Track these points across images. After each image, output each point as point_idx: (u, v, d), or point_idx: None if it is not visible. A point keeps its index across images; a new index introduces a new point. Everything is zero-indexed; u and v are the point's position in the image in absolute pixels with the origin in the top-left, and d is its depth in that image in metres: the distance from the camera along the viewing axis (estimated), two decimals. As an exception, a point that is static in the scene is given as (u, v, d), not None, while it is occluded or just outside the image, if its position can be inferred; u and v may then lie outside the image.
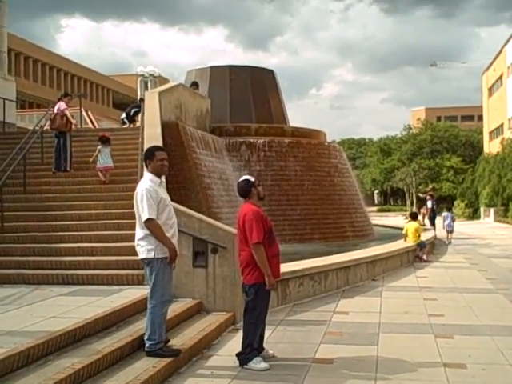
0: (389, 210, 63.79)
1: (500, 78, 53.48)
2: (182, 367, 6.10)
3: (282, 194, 18.92)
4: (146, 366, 5.64)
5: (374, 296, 10.31)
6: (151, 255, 5.95)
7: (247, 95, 21.47)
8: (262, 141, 18.96)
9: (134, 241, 6.21)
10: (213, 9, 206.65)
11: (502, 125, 52.01)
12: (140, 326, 6.56)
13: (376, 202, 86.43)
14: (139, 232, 6.03)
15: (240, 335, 6.47)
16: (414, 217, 17.08)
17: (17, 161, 11.76)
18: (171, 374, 5.84)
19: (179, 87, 16.97)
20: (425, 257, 15.53)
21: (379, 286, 11.37)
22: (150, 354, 5.92)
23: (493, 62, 56.50)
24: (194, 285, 8.26)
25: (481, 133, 63.69)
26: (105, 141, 12.89)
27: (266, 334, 7.50)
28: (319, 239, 18.84)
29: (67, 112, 13.80)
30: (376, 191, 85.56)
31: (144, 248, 6.00)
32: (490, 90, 57.75)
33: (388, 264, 13.11)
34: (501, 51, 53.11)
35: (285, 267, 10.03)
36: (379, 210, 64.63)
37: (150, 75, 31.18)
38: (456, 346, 7.00)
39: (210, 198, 15.51)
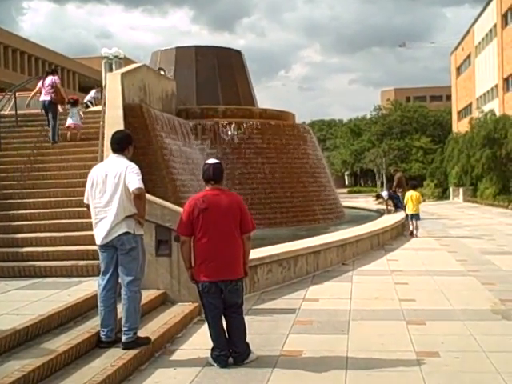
0: (359, 192, 63.99)
1: (468, 57, 53.72)
2: (144, 364, 5.78)
3: (250, 178, 18.61)
4: (103, 364, 5.31)
5: (344, 281, 10.09)
6: (135, 232, 5.81)
7: (214, 76, 21.04)
8: (229, 123, 18.57)
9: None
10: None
11: (470, 104, 52.35)
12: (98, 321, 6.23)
13: (347, 183, 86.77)
14: (120, 210, 5.72)
15: (205, 326, 6.15)
16: (413, 186, 18.32)
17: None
18: (131, 372, 5.52)
19: (143, 68, 16.48)
20: (415, 231, 16.80)
21: (350, 270, 11.16)
22: (130, 345, 5.69)
23: (461, 41, 56.71)
24: (157, 275, 7.92)
25: (450, 113, 64.07)
26: (73, 102, 14.34)
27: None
28: (289, 223, 18.62)
29: (60, 86, 14.39)
30: (346, 173, 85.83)
31: (126, 224, 5.75)
32: (459, 70, 58.02)
33: (358, 247, 12.92)
34: (469, 31, 53.29)
35: (252, 253, 9.67)
36: (350, 192, 64.80)
37: (115, 57, 30.30)
38: (428, 332, 6.81)
39: (176, 182, 15.13)
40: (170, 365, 5.82)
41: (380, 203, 30.58)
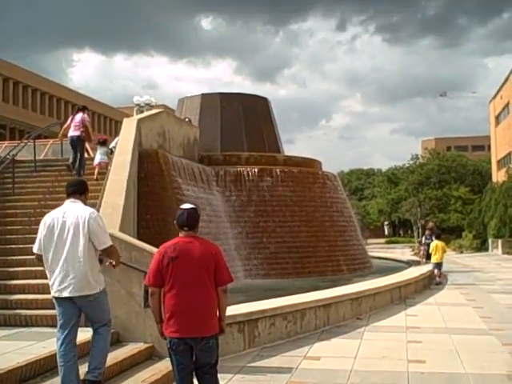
0: (397, 242, 62.61)
1: (507, 105, 52.76)
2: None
3: (272, 226, 18.14)
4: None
5: (353, 338, 9.42)
6: (101, 288, 5.73)
7: (239, 123, 20.85)
8: (251, 170, 18.26)
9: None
10: (221, 42, 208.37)
11: (509, 153, 51.11)
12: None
13: (386, 233, 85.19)
14: (90, 263, 5.56)
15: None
16: (437, 236, 18.75)
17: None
18: None
19: (163, 114, 16.36)
20: (438, 278, 17.48)
21: (363, 325, 10.48)
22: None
23: (499, 89, 55.88)
24: (145, 327, 7.48)
25: (490, 162, 62.74)
26: (102, 142, 14.94)
27: (221, 383, 6.71)
28: (312, 273, 17.97)
29: (88, 124, 14.77)
30: (385, 223, 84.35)
31: (96, 282, 5.63)
32: (497, 119, 57.01)
33: (376, 301, 12.20)
34: (507, 79, 52.50)
35: (254, 306, 9.26)
36: (387, 242, 63.50)
37: (147, 104, 30.75)
38: (430, 400, 6.13)
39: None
40: (137, 429, 5.31)
41: (415, 254, 29.67)
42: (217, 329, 5.22)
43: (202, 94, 21.73)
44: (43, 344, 6.60)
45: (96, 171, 14.02)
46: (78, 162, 14.09)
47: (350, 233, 20.37)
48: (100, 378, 5.60)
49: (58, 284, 5.48)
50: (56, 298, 5.54)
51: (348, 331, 9.98)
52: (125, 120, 14.22)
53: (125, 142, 12.56)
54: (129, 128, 13.44)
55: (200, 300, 5.11)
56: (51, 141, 22.52)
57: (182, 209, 5.39)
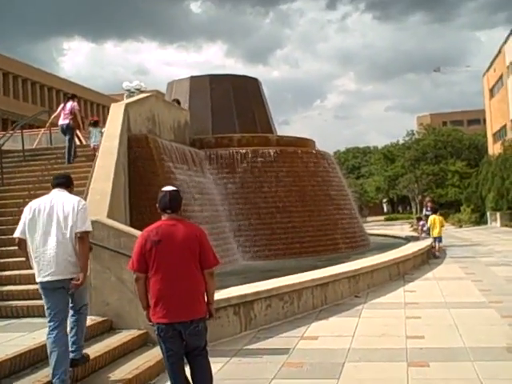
0: (396, 219, 62.42)
1: (500, 78, 52.39)
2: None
3: (267, 207, 17.97)
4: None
5: (351, 316, 9.30)
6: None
7: (229, 105, 20.55)
8: (244, 151, 18.05)
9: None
10: (211, 25, 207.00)
11: (504, 126, 50.86)
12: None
13: (385, 210, 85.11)
14: (69, 245, 5.52)
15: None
16: (434, 211, 19.37)
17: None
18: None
19: (151, 98, 16.10)
20: (437, 253, 17.72)
21: (361, 303, 10.36)
22: (80, 362, 5.73)
23: (492, 62, 55.44)
24: (138, 313, 7.28)
25: (485, 135, 62.47)
26: (94, 123, 15.14)
27: (215, 367, 6.60)
28: (308, 253, 17.82)
29: (78, 112, 14.96)
30: (384, 200, 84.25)
31: (76, 265, 5.56)
32: (491, 92, 56.65)
33: (374, 278, 12.09)
34: (500, 51, 52.07)
35: (248, 288, 9.12)
36: (386, 219, 63.35)
37: (137, 90, 30.40)
38: (429, 376, 6.01)
39: (184, 213, 14.58)
40: (130, 418, 5.19)
41: (414, 230, 29.57)
42: (205, 312, 5.09)
43: (191, 77, 21.41)
44: (33, 335, 6.45)
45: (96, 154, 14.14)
46: (67, 149, 14.12)
47: (346, 211, 20.20)
48: (80, 355, 5.79)
49: (46, 268, 5.44)
50: (43, 284, 5.46)
51: (346, 309, 9.88)
52: (112, 105, 13.98)
53: (112, 128, 12.33)
54: (116, 113, 13.21)
55: (186, 283, 4.97)
56: (42, 130, 22.29)
57: (163, 191, 5.25)
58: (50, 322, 5.48)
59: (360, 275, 11.50)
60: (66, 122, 14.58)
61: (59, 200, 5.64)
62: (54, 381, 5.27)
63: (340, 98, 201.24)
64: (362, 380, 5.97)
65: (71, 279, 5.50)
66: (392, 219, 62.86)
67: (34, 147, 18.58)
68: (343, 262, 13.27)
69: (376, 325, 8.58)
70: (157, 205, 5.22)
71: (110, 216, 8.49)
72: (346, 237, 19.39)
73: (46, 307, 5.58)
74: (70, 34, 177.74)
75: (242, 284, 9.78)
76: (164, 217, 5.13)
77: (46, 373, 5.54)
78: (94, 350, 6.32)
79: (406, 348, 7.12)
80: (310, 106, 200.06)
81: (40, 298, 7.94)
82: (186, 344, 5.03)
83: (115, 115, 13.00)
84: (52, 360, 5.33)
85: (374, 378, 5.99)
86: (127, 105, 13.99)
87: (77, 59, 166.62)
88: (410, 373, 6.10)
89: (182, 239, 4.99)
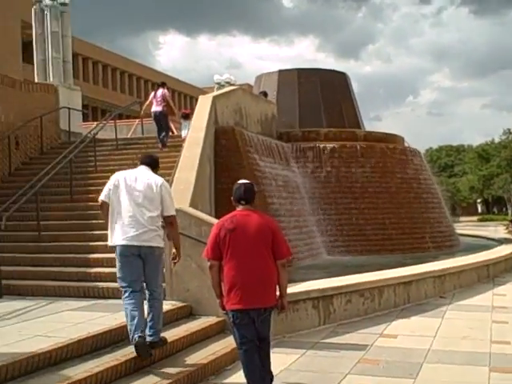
0: (490, 220, 59.91)
1: None
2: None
3: (353, 203, 17.73)
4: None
5: (434, 316, 9.02)
6: (161, 246, 5.95)
7: (317, 99, 20.39)
8: (330, 146, 17.87)
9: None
10: (303, 19, 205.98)
11: None
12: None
13: (480, 211, 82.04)
14: (156, 219, 5.81)
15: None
16: None
17: (56, 168, 11.53)
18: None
19: (238, 91, 16.23)
20: None
21: (445, 304, 10.03)
22: (158, 344, 5.82)
23: None
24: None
25: None
26: (185, 116, 15.93)
27: (291, 358, 6.63)
28: (395, 250, 17.40)
29: (169, 99, 15.36)
30: (478, 200, 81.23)
31: (159, 237, 5.87)
32: None
33: (461, 279, 11.66)
34: None
35: (329, 282, 9.06)
36: (480, 220, 60.96)
37: (227, 83, 30.88)
38: (513, 383, 5.75)
39: (270, 206, 14.65)
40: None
41: (509, 232, 28.33)
42: (276, 301, 5.18)
43: (280, 71, 21.42)
44: (116, 316, 6.66)
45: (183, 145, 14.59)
46: (161, 136, 14.59)
47: (435, 209, 19.62)
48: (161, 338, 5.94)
49: (122, 234, 5.67)
50: (121, 248, 5.68)
51: (429, 309, 9.60)
52: (200, 97, 14.20)
53: (199, 119, 12.54)
54: (203, 105, 13.40)
55: (260, 271, 5.05)
56: (136, 121, 23.04)
57: (238, 183, 5.44)
58: (128, 287, 5.69)
59: (446, 275, 11.13)
60: (159, 108, 14.89)
61: (144, 175, 5.91)
62: (141, 339, 5.52)
63: (434, 94, 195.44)
64: (439, 382, 5.79)
65: (149, 247, 5.72)
66: (486, 220, 60.38)
67: (128, 137, 19.23)
68: (430, 261, 12.91)
69: (459, 327, 8.29)
70: (231, 197, 5.37)
71: (192, 205, 8.64)
72: (435, 236, 18.81)
73: (119, 274, 5.77)
74: (165, 27, 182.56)
75: (324, 278, 9.74)
76: (238, 208, 5.26)
77: (125, 352, 5.72)
78: (172, 334, 6.47)
79: (490, 353, 6.83)
80: (402, 102, 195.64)
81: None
82: (257, 332, 5.08)
83: (202, 107, 13.21)
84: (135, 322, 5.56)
85: (452, 381, 5.79)
86: (214, 97, 14.16)
87: (172, 53, 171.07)
88: (491, 378, 5.85)
89: (255, 229, 5.07)
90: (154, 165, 6.14)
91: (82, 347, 5.58)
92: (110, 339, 5.97)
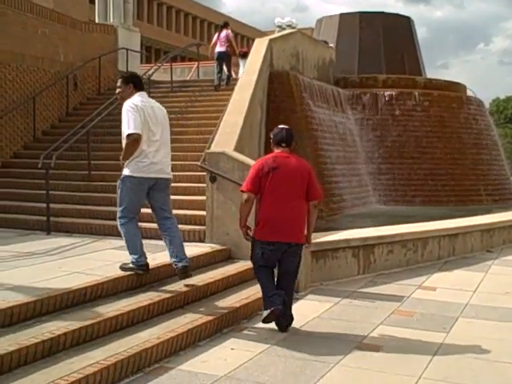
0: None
1: None
2: (203, 339, 5.40)
3: (408, 151, 17.39)
4: (151, 335, 5.00)
5: (478, 271, 8.85)
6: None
7: (378, 44, 19.83)
8: (388, 93, 17.44)
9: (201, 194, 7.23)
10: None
11: None
12: (175, 288, 6.01)
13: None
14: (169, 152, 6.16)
15: (297, 305, 6.29)
16: None
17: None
18: (184, 347, 5.16)
19: (296, 34, 15.92)
20: None
21: (492, 258, 9.81)
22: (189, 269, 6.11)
23: None
24: (256, 246, 7.50)
25: None
26: (243, 54, 16.00)
27: (325, 306, 6.69)
28: (448, 202, 17.13)
29: (233, 39, 15.46)
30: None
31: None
32: None
33: (511, 234, 11.35)
34: None
35: (370, 231, 8.98)
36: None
37: (288, 26, 30.20)
38: (549, 342, 5.61)
39: (320, 152, 14.53)
40: (231, 344, 5.38)
41: None
42: (304, 240, 5.64)
43: (341, 14, 20.85)
44: (155, 256, 6.81)
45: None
46: (224, 75, 14.72)
47: (493, 161, 19.02)
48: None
49: (148, 165, 5.88)
50: (141, 179, 5.97)
51: (473, 263, 9.41)
52: (256, 40, 14.02)
53: (253, 62, 12.40)
54: (259, 48, 13.24)
55: (294, 209, 5.46)
56: (196, 63, 23.01)
57: (279, 127, 5.76)
58: (163, 216, 6.15)
59: (496, 229, 10.83)
60: (223, 49, 15.04)
61: (153, 103, 6.08)
62: (143, 262, 5.93)
63: (506, 42, 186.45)
64: (472, 337, 5.70)
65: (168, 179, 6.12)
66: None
67: (187, 79, 19.26)
68: (482, 214, 12.58)
69: (503, 282, 8.11)
70: (271, 140, 5.72)
71: (238, 149, 8.61)
72: (491, 189, 18.34)
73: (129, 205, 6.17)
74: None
75: (368, 227, 9.68)
76: (278, 149, 5.59)
77: (159, 292, 5.87)
78: (208, 277, 6.59)
79: (531, 310, 6.68)
80: (472, 49, 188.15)
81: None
82: (281, 264, 5.54)
83: (258, 50, 13.05)
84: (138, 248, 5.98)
85: (486, 338, 5.69)
86: (271, 40, 13.96)
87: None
88: (527, 336, 5.73)
89: (294, 170, 5.47)
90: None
91: (117, 286, 5.74)
92: (146, 279, 6.12)
